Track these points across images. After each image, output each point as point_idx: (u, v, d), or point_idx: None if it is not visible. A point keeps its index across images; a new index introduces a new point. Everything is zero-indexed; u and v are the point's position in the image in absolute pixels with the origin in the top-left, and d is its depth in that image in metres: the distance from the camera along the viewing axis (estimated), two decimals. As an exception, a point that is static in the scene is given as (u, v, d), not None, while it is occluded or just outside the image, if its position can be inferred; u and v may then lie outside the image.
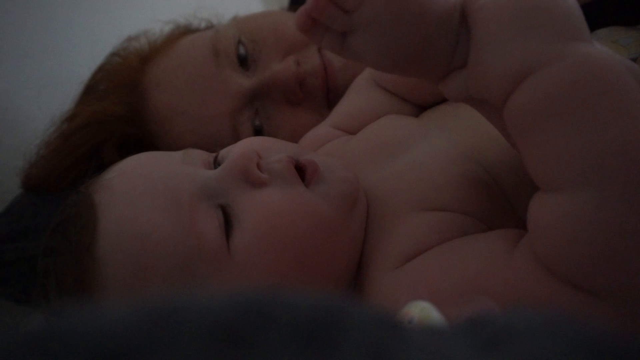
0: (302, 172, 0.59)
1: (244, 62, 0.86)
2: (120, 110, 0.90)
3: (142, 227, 0.55)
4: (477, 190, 0.59)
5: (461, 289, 0.50)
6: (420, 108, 0.75)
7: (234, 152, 0.60)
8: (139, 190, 0.57)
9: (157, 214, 0.55)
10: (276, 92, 0.84)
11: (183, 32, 0.97)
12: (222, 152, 0.62)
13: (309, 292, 0.29)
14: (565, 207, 0.45)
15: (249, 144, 0.62)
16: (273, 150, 0.61)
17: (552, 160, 0.46)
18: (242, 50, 0.86)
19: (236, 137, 0.84)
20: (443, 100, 0.74)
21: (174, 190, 0.56)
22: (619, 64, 0.45)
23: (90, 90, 0.95)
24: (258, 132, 0.85)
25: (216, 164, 0.61)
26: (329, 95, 0.85)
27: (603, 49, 0.46)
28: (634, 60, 0.71)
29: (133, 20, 1.01)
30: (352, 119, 0.75)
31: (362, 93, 0.76)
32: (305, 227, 0.55)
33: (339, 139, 0.73)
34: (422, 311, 0.46)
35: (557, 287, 0.46)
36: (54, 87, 0.97)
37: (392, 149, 0.65)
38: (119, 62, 0.95)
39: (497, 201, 0.58)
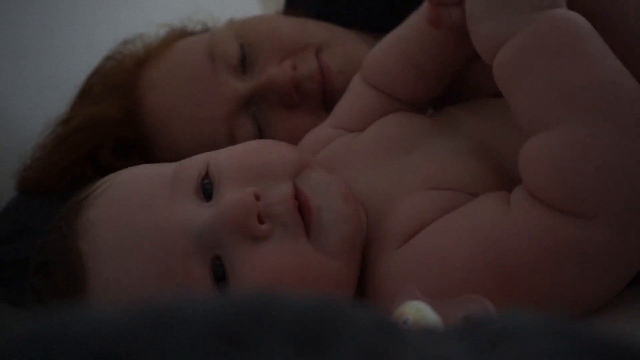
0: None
1: (240, 66, 0.86)
2: (116, 114, 0.90)
3: (134, 291, 0.52)
4: (488, 175, 0.60)
5: (470, 251, 0.53)
6: (416, 108, 0.74)
7: (229, 197, 0.54)
8: (127, 246, 0.53)
9: (149, 278, 0.52)
10: (272, 96, 0.84)
11: (179, 35, 0.97)
12: (212, 169, 0.57)
13: (306, 294, 0.29)
14: (554, 139, 0.51)
15: (245, 167, 0.57)
16: (273, 170, 0.57)
17: (536, 103, 0.53)
18: (238, 54, 0.85)
19: (232, 141, 0.83)
20: (432, 99, 0.74)
21: (166, 248, 0.53)
22: (581, 19, 0.54)
23: (86, 93, 0.95)
24: (254, 136, 0.85)
25: (206, 183, 0.56)
26: (326, 98, 0.85)
27: (570, 11, 0.55)
28: None
29: (130, 22, 1.01)
30: (353, 119, 0.74)
31: (358, 93, 0.75)
32: (309, 285, 0.53)
33: (342, 137, 0.72)
34: (417, 312, 0.46)
35: (554, 217, 0.50)
36: (51, 88, 0.97)
37: (403, 146, 0.65)
38: (114, 65, 0.95)
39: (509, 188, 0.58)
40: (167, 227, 0.53)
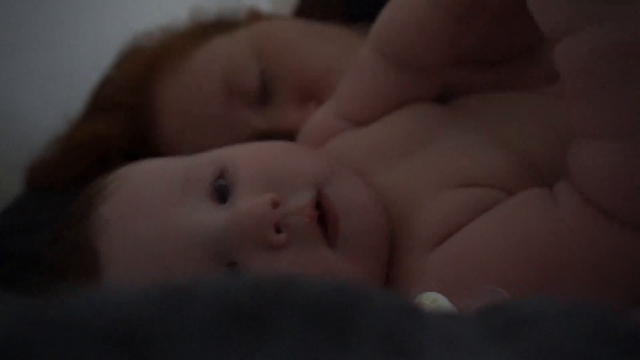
0: (323, 214, 0.53)
1: (259, 97, 0.83)
2: (126, 133, 0.89)
3: None
4: (517, 170, 0.57)
5: (511, 250, 0.50)
6: (437, 79, 0.68)
7: (244, 203, 0.52)
8: (141, 251, 0.52)
9: None
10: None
11: (199, 34, 0.92)
12: (230, 169, 0.55)
13: (325, 277, 0.28)
14: (627, 154, 0.46)
15: (260, 173, 0.55)
16: (295, 177, 0.54)
17: (612, 111, 0.47)
18: (258, 87, 0.82)
19: None
20: (455, 63, 0.69)
21: (180, 255, 0.51)
22: None
23: (96, 105, 0.93)
24: None
25: (222, 185, 0.54)
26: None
27: None
28: None
29: (137, 14, 1.00)
30: (362, 107, 0.68)
31: (368, 75, 0.68)
32: None
33: (349, 131, 0.67)
34: (433, 302, 0.46)
35: (611, 225, 0.48)
36: (55, 80, 0.97)
37: (419, 139, 0.62)
38: (126, 74, 0.92)
39: (535, 184, 0.56)
40: (179, 233, 0.52)
